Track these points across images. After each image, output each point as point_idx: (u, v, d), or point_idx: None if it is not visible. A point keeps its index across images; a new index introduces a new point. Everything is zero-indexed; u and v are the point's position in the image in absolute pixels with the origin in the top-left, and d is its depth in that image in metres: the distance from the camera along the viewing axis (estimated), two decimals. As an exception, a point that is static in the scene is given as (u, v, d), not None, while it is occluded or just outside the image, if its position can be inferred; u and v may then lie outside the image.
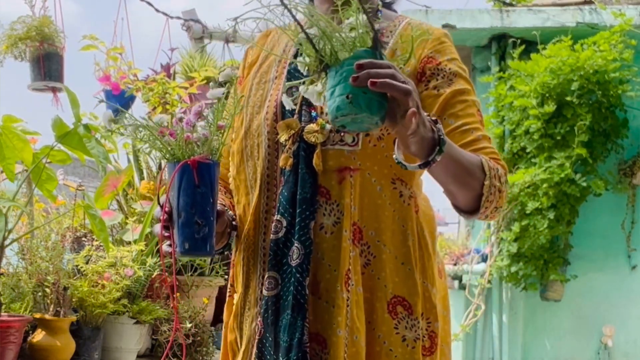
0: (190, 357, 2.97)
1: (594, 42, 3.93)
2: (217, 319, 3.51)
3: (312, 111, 1.35)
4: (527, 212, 3.96)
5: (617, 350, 4.24)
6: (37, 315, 2.47)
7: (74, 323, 2.56)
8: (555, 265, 4.08)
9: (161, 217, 1.26)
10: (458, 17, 4.36)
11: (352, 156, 1.32)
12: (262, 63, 1.46)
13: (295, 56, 1.41)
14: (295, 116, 1.36)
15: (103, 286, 2.57)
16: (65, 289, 2.49)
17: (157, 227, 1.28)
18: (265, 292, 1.33)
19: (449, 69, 1.37)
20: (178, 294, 1.39)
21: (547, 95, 3.93)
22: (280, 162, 1.35)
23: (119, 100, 3.71)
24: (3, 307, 2.32)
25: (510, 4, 4.49)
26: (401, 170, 1.29)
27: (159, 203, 1.28)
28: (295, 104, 1.35)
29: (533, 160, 3.95)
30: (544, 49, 3.99)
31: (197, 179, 1.22)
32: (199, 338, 3.00)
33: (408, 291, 1.34)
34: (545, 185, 3.84)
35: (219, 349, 3.29)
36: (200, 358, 3.03)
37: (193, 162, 1.22)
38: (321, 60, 1.14)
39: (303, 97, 1.30)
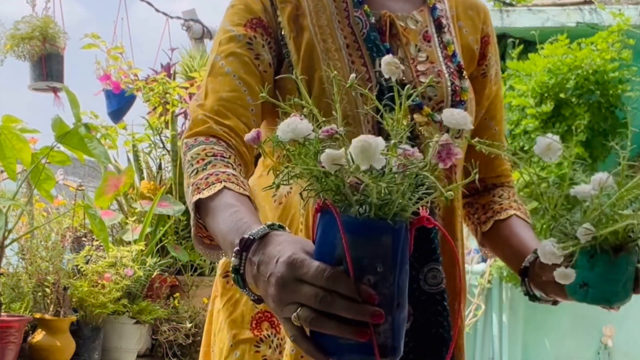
0: (190, 357, 2.98)
1: (592, 42, 3.92)
2: (217, 318, 3.51)
3: None
4: (526, 211, 3.95)
5: (617, 350, 4.24)
6: (37, 315, 2.47)
7: (74, 323, 2.56)
8: (555, 265, 4.08)
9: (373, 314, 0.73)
10: (458, 17, 4.36)
11: None
12: (313, 24, 1.18)
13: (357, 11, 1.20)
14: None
15: (103, 286, 2.57)
16: (65, 289, 2.50)
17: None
18: None
19: (496, 59, 1.33)
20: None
21: (545, 94, 3.93)
22: None
23: (120, 99, 3.72)
24: (3, 307, 2.33)
25: (510, 4, 4.48)
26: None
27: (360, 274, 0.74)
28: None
29: (532, 159, 3.95)
30: (542, 48, 3.98)
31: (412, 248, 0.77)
32: (199, 338, 3.00)
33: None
34: (544, 184, 3.84)
35: (218, 348, 3.30)
36: (200, 358, 3.03)
37: (421, 221, 0.77)
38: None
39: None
